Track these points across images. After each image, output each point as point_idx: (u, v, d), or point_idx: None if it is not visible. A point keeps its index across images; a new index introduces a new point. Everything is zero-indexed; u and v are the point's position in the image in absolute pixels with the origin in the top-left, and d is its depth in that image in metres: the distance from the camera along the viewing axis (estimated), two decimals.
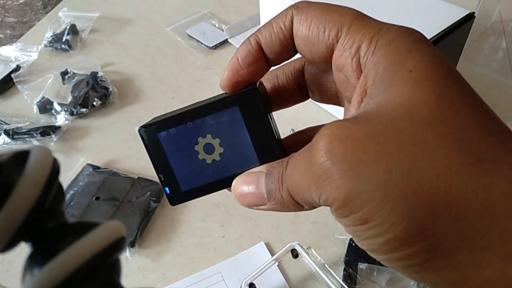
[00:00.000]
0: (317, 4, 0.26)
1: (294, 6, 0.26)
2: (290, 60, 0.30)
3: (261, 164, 0.28)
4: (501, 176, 0.19)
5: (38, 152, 0.21)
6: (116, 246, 0.22)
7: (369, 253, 0.22)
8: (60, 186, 0.22)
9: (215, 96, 0.29)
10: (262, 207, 0.27)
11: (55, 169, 0.21)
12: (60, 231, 0.22)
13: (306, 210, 0.26)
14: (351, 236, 0.56)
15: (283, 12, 0.27)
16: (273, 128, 0.28)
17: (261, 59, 0.28)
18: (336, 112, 0.72)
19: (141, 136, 0.28)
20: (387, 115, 0.21)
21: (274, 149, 0.28)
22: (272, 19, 0.27)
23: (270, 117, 0.29)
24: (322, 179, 0.21)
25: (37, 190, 0.20)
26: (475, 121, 0.20)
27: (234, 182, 0.28)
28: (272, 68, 0.30)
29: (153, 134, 0.28)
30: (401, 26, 0.24)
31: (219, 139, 0.28)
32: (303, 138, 0.31)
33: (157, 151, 0.29)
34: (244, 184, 0.27)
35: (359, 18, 0.24)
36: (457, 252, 0.19)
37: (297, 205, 0.25)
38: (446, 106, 0.20)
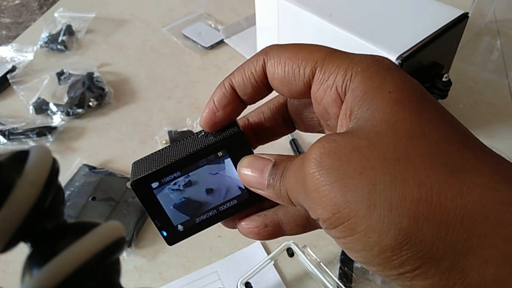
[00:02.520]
0: (286, 46, 0.28)
1: (264, 52, 0.28)
2: (267, 97, 0.32)
3: (249, 195, 0.31)
4: (476, 185, 0.20)
5: (38, 152, 0.21)
6: (115, 247, 0.22)
7: (364, 266, 0.23)
8: (59, 186, 0.22)
9: (198, 137, 0.31)
10: (259, 191, 0.28)
11: (54, 169, 0.21)
12: (59, 232, 0.22)
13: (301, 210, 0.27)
14: None
15: (254, 57, 0.28)
16: None
17: (235, 101, 0.30)
18: None
19: (134, 189, 0.29)
20: (372, 130, 0.22)
21: None
22: (244, 63, 0.29)
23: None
24: (311, 189, 0.22)
25: (36, 190, 0.20)
26: (451, 137, 0.22)
27: (241, 161, 0.29)
28: (259, 104, 0.33)
29: (146, 186, 0.29)
30: (371, 55, 0.25)
31: (209, 179, 0.30)
32: None
33: (151, 200, 0.30)
34: (250, 167, 0.28)
35: (330, 52, 0.26)
36: (443, 258, 0.20)
37: (292, 204, 0.26)
38: (425, 123, 0.22)
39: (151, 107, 0.80)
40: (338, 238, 0.22)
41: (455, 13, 0.63)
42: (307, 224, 0.30)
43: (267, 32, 0.77)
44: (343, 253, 0.56)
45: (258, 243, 0.59)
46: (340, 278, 0.54)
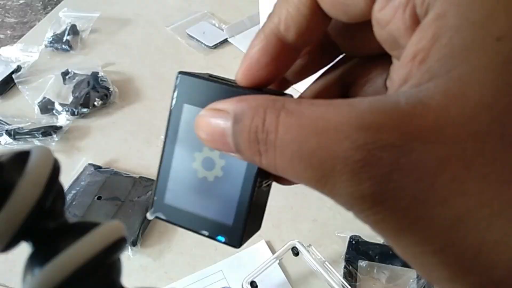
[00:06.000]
0: None
1: None
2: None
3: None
4: None
5: (39, 152, 0.21)
6: (116, 246, 0.22)
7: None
8: (60, 186, 0.22)
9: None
10: (233, 155, 0.20)
11: (55, 169, 0.21)
12: (60, 231, 0.22)
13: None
14: (351, 234, 0.57)
15: None
16: None
17: (282, 53, 0.22)
18: None
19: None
20: (463, 128, 0.14)
21: None
22: None
23: None
24: (363, 206, 0.15)
25: (37, 190, 0.20)
26: None
27: (196, 117, 0.21)
28: None
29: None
30: None
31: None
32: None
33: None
34: (208, 124, 0.20)
35: None
36: None
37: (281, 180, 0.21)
38: None
39: (156, 106, 0.80)
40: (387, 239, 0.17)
41: None
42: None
43: None
44: (348, 252, 0.56)
45: (263, 242, 0.59)
46: (345, 277, 0.54)
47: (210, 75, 0.24)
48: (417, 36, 0.16)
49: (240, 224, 0.24)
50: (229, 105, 0.19)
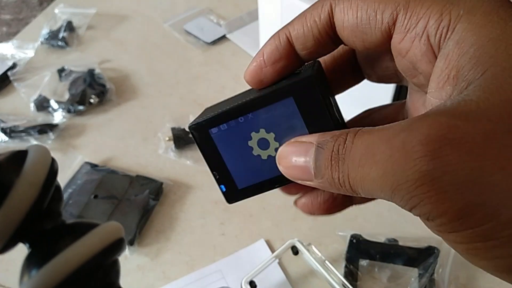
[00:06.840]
0: None
1: None
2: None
3: None
4: None
5: (36, 151, 0.21)
6: (114, 248, 0.22)
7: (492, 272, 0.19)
8: (58, 186, 0.22)
9: (266, 88, 0.26)
10: (308, 183, 0.23)
11: (53, 170, 0.21)
12: (58, 232, 0.22)
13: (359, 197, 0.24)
14: (352, 232, 0.56)
15: (319, 3, 0.23)
16: (334, 116, 0.25)
17: (290, 56, 0.25)
18: None
19: (192, 133, 0.27)
20: (504, 108, 0.17)
21: None
22: (306, 10, 0.24)
23: (331, 102, 0.25)
24: (423, 189, 0.17)
25: (34, 191, 0.20)
26: None
27: (280, 149, 0.24)
28: None
29: (204, 131, 0.27)
30: None
31: (274, 133, 0.26)
32: (372, 119, 0.28)
33: (210, 148, 0.27)
34: (292, 155, 0.23)
35: None
36: None
37: (353, 193, 0.21)
38: None
39: (153, 103, 0.80)
40: (457, 242, 0.18)
41: None
42: None
43: (270, 26, 0.77)
44: (348, 251, 0.55)
45: (262, 241, 0.58)
46: (345, 276, 0.53)
47: (331, 99, 0.26)
48: (442, 61, 0.19)
49: (244, 196, 0.28)
50: (312, 138, 0.22)
